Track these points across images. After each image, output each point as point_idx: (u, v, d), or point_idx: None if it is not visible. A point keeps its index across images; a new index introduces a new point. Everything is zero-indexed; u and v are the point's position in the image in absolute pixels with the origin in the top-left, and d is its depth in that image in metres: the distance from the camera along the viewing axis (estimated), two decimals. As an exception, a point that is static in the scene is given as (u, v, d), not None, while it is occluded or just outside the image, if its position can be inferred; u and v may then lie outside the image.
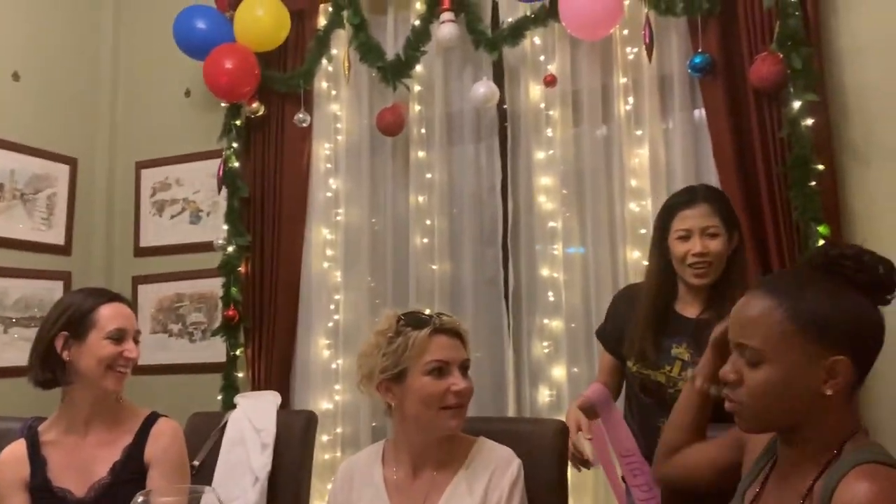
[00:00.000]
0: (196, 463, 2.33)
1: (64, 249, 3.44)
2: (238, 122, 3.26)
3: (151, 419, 1.87)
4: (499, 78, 2.94)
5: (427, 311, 1.67)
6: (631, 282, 2.49)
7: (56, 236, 3.42)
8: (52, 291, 3.31)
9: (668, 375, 1.96)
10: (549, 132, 2.84)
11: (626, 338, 2.05)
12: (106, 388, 1.80)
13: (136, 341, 1.86)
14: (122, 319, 1.83)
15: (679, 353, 1.96)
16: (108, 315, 1.81)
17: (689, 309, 2.01)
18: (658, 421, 1.96)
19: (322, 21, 3.19)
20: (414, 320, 1.62)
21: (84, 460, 1.78)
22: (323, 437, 2.99)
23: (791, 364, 1.15)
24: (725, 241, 1.96)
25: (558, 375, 2.75)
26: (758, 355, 1.17)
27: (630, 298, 2.12)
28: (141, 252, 3.58)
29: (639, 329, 2.00)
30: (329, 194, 3.18)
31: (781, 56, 2.39)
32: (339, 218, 3.16)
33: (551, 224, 2.81)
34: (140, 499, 1.12)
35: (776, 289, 1.20)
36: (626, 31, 2.76)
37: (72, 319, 1.79)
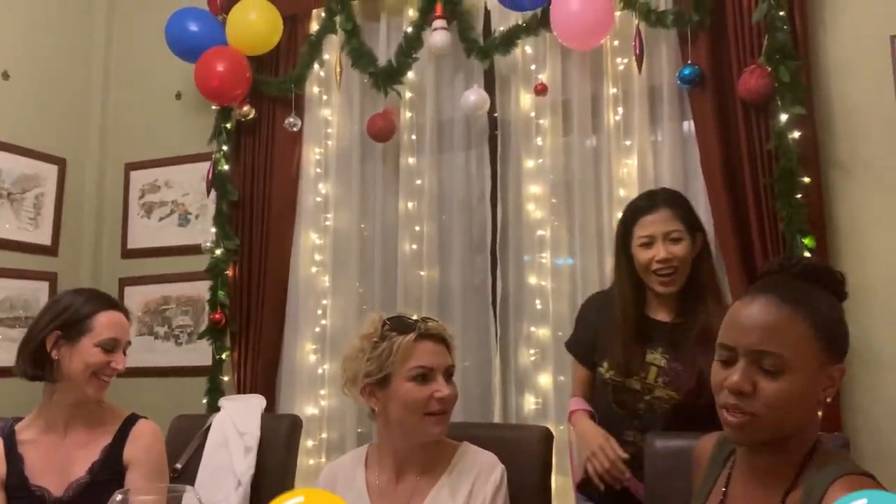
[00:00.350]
0: (179, 466, 2.32)
1: (50, 250, 3.42)
2: (228, 126, 3.25)
3: (131, 420, 1.86)
4: (490, 86, 2.95)
5: (413, 316, 1.66)
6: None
7: (43, 236, 3.40)
8: (38, 292, 3.29)
9: (643, 382, 1.96)
10: (539, 141, 2.85)
11: (598, 345, 2.04)
12: (88, 394, 1.79)
13: (125, 352, 1.85)
14: (118, 329, 1.82)
15: (654, 358, 1.96)
16: (105, 323, 1.80)
17: (661, 313, 2.00)
18: (625, 434, 1.96)
19: (314, 26, 3.19)
20: (399, 325, 1.61)
21: (62, 460, 1.77)
22: (308, 443, 2.97)
23: (809, 372, 1.14)
24: (689, 246, 1.95)
25: (544, 383, 2.75)
26: (781, 364, 1.13)
27: (599, 305, 2.12)
28: (128, 254, 3.56)
29: (619, 340, 1.97)
30: (318, 199, 3.18)
31: (769, 69, 2.41)
32: (328, 223, 3.15)
33: (540, 232, 2.82)
34: (118, 497, 1.11)
35: (788, 297, 1.17)
36: (616, 42, 2.78)
37: (68, 321, 1.78)
